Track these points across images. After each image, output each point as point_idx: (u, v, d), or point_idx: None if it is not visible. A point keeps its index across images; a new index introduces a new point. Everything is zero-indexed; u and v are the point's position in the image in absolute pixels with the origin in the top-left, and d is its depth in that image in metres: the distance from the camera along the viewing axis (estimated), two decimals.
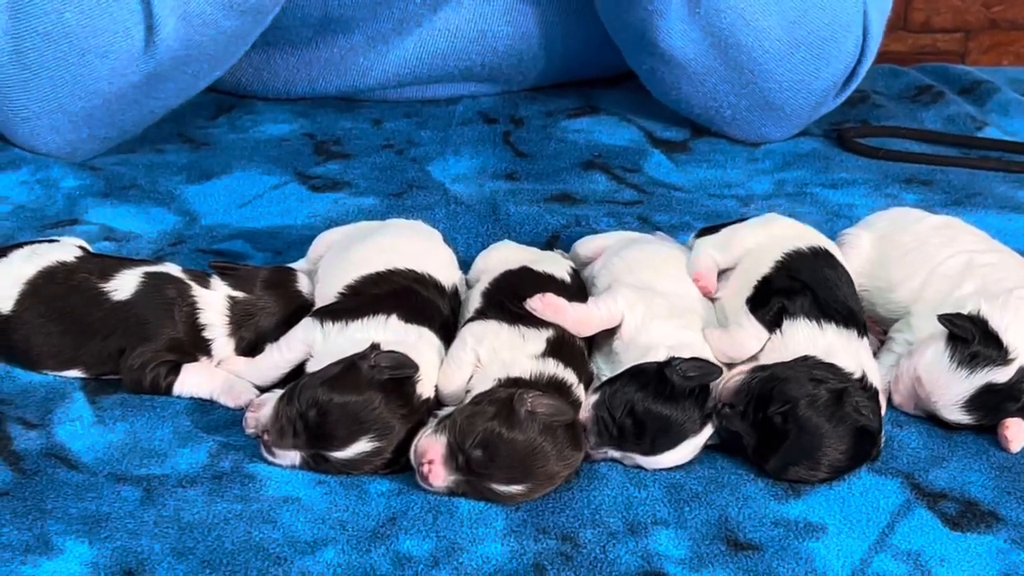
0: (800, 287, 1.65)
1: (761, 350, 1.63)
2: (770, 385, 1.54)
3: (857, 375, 1.58)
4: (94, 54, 2.14)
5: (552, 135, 2.49)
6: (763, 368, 1.58)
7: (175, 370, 1.65)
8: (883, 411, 1.63)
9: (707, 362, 1.57)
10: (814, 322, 1.62)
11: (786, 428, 1.52)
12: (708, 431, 1.56)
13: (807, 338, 1.61)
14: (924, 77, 2.83)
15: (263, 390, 1.65)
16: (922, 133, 2.55)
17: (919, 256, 1.79)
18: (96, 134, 2.26)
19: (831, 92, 2.44)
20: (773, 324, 1.62)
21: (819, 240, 1.76)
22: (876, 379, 1.62)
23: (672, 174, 2.36)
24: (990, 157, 2.45)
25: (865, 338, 1.66)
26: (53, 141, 2.25)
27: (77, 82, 2.16)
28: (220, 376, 1.66)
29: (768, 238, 1.76)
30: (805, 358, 1.58)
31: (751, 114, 2.42)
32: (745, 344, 1.62)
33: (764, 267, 1.70)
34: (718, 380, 1.57)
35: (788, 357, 1.59)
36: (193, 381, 1.65)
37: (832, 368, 1.57)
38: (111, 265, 1.72)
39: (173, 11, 2.11)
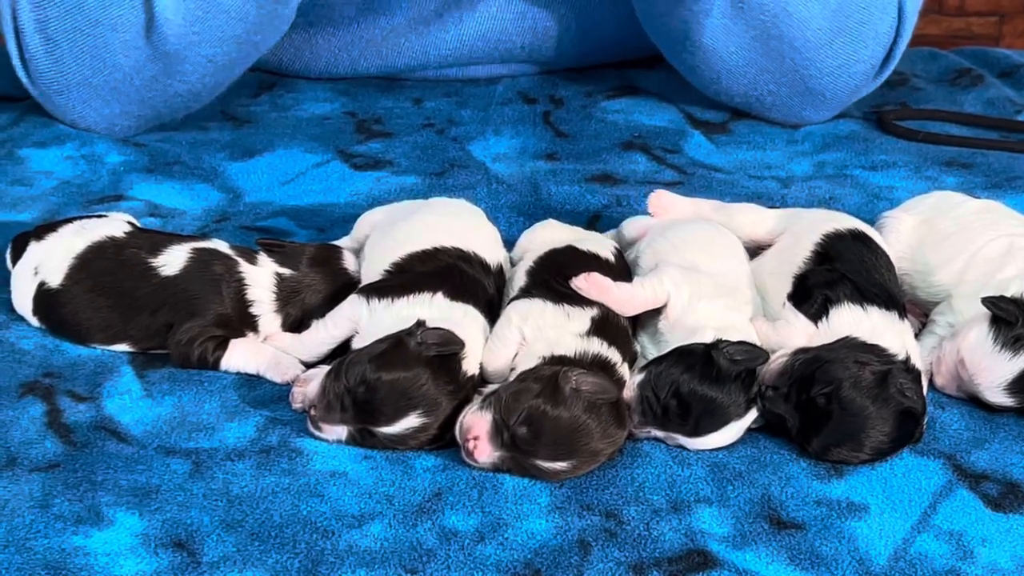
0: (839, 276, 1.65)
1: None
2: (813, 367, 1.55)
3: (901, 356, 1.58)
4: (105, 26, 2.18)
5: (592, 115, 2.49)
6: (806, 350, 1.58)
7: (223, 345, 1.67)
8: (925, 393, 1.64)
9: (754, 346, 1.57)
10: (857, 305, 1.62)
11: (829, 409, 1.52)
12: (752, 415, 1.56)
13: (852, 321, 1.61)
14: (963, 60, 2.82)
15: (309, 366, 1.67)
16: (962, 116, 2.54)
17: (960, 239, 1.79)
18: (128, 111, 2.28)
19: (870, 75, 2.44)
20: (818, 316, 1.63)
21: (856, 224, 1.77)
22: (918, 361, 1.63)
23: (712, 155, 2.36)
24: None
25: (906, 320, 1.67)
26: (89, 115, 2.28)
27: (95, 54, 2.20)
28: (267, 352, 1.67)
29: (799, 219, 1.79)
30: (848, 339, 1.59)
31: (791, 100, 2.42)
32: (793, 339, 1.62)
33: (803, 250, 1.71)
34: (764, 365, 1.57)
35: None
36: (240, 356, 1.67)
37: (876, 349, 1.58)
38: (160, 240, 1.73)
39: None
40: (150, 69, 2.23)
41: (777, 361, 1.57)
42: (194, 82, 2.27)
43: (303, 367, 1.66)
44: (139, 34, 2.19)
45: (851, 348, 1.57)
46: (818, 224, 1.76)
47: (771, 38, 2.32)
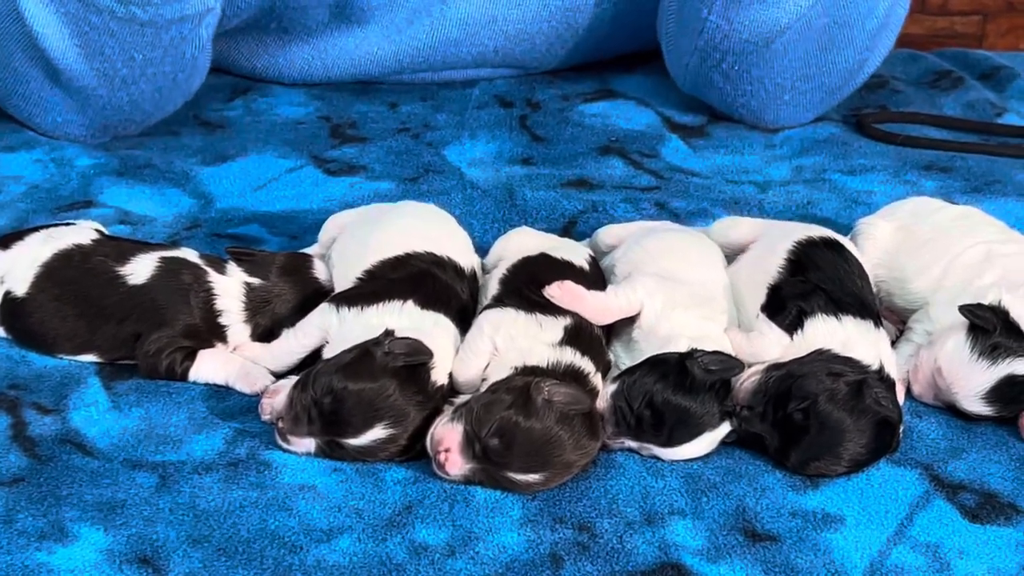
0: (812, 288, 1.64)
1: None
2: (787, 383, 1.53)
3: (875, 366, 1.57)
4: (17, 69, 2.19)
5: (569, 119, 2.48)
6: (778, 367, 1.57)
7: (191, 356, 1.65)
8: (901, 401, 1.63)
9: (729, 356, 1.56)
10: (832, 316, 1.61)
11: (807, 424, 1.51)
12: (727, 426, 1.55)
13: (827, 332, 1.60)
14: (943, 62, 2.81)
15: (279, 376, 1.65)
16: (941, 119, 2.53)
17: (938, 246, 1.78)
18: (71, 119, 2.26)
19: (868, 74, 2.44)
20: (793, 328, 1.61)
21: (828, 232, 1.75)
22: (893, 369, 1.62)
23: (689, 159, 2.34)
24: (1010, 144, 2.43)
25: (881, 328, 1.65)
26: (38, 123, 2.27)
27: (16, 91, 2.21)
28: (236, 362, 1.66)
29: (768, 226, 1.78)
30: (820, 352, 1.57)
31: (804, 97, 2.40)
32: (767, 351, 1.61)
33: (776, 257, 1.70)
34: (738, 376, 1.56)
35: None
36: (209, 367, 1.65)
37: (848, 361, 1.56)
38: (127, 249, 1.71)
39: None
40: (73, 104, 2.23)
41: (749, 380, 1.56)
42: (130, 112, 2.26)
43: (273, 377, 1.64)
44: (49, 82, 2.20)
45: (823, 361, 1.56)
46: (790, 232, 1.74)
47: (838, 26, 2.31)
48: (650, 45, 2.59)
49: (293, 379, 1.56)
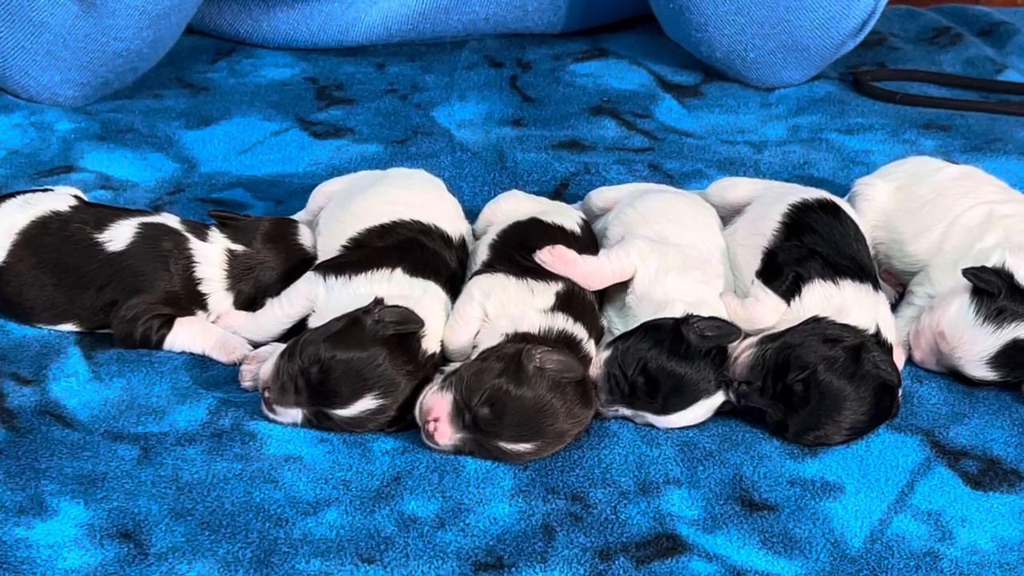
0: (808, 252, 1.61)
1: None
2: (784, 354, 1.50)
3: (871, 331, 1.54)
4: None
5: (560, 79, 2.44)
6: (772, 338, 1.53)
7: (168, 324, 1.61)
8: (901, 366, 1.59)
9: (726, 322, 1.53)
10: (829, 281, 1.58)
11: (807, 395, 1.48)
12: (723, 395, 1.52)
13: (824, 298, 1.57)
14: (941, 18, 2.77)
15: (259, 345, 1.62)
16: (940, 76, 2.49)
17: (937, 208, 1.74)
18: (69, 77, 2.21)
19: (855, 31, 2.39)
20: (790, 294, 1.58)
21: (823, 193, 1.72)
22: (891, 333, 1.58)
23: (684, 120, 2.30)
24: (1011, 101, 2.39)
25: (880, 291, 1.62)
26: (29, 84, 2.22)
27: (21, 15, 2.14)
28: (213, 332, 1.62)
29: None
30: (815, 319, 1.54)
31: (774, 56, 2.36)
32: (763, 317, 1.58)
33: (771, 220, 1.66)
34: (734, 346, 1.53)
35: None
36: (185, 336, 1.61)
37: (844, 327, 1.53)
38: (106, 215, 1.67)
39: None
40: (81, 27, 2.16)
41: (745, 354, 1.52)
42: (131, 38, 2.20)
43: (251, 347, 1.61)
44: (66, 32, 2.14)
45: (820, 327, 1.52)
46: (785, 195, 1.70)
47: None
48: (643, 10, 2.55)
49: (275, 346, 1.54)
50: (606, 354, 1.52)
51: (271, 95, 2.35)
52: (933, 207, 1.74)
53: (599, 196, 1.82)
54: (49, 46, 2.17)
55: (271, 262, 1.67)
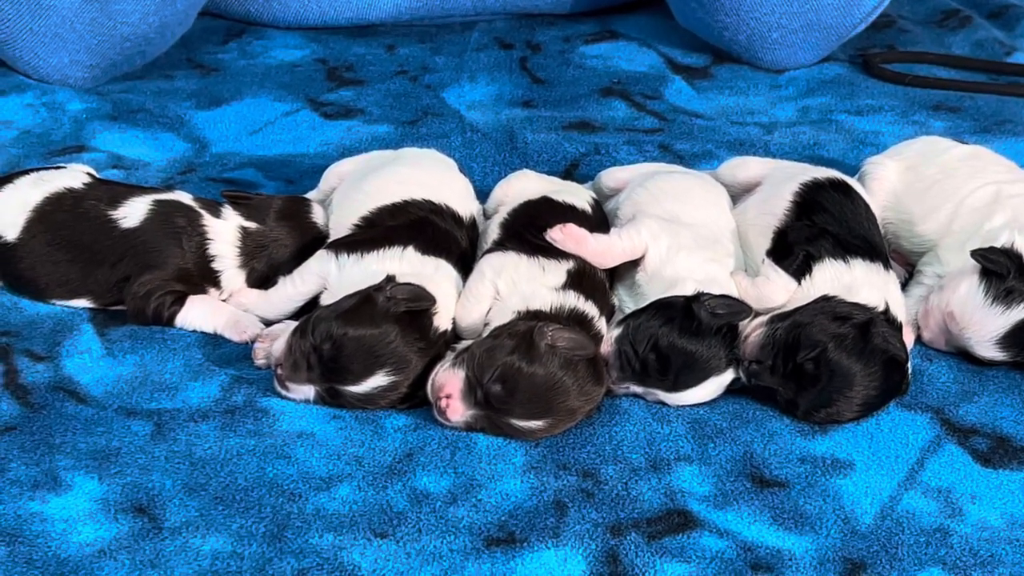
0: (819, 231, 1.60)
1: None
2: (794, 332, 1.50)
3: (880, 308, 1.54)
4: None
5: (570, 61, 2.44)
6: (782, 317, 1.53)
7: (180, 301, 1.61)
8: (910, 344, 1.60)
9: (737, 300, 1.53)
10: (840, 260, 1.58)
11: (818, 373, 1.48)
12: (733, 372, 1.52)
13: (835, 276, 1.57)
14: (951, 1, 2.76)
15: (272, 323, 1.62)
16: (949, 58, 2.49)
17: (946, 187, 1.74)
18: (78, 59, 2.22)
19: (871, 11, 2.39)
20: (801, 273, 1.58)
21: (834, 173, 1.72)
22: (901, 311, 1.59)
23: (693, 101, 2.30)
24: (1020, 83, 2.39)
25: (891, 270, 1.62)
26: (40, 66, 2.23)
27: None
28: (225, 310, 1.63)
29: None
30: (825, 297, 1.54)
31: (795, 36, 2.35)
32: (774, 296, 1.58)
33: (782, 199, 1.66)
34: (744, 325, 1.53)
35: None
36: (197, 313, 1.62)
37: (853, 305, 1.53)
38: (120, 192, 1.68)
39: None
40: (88, 11, 2.17)
41: (755, 333, 1.52)
42: (137, 22, 2.21)
43: (263, 325, 1.61)
44: (74, 15, 2.14)
45: (830, 305, 1.52)
46: (796, 174, 1.70)
47: None
48: None
49: (289, 323, 1.54)
50: (617, 332, 1.52)
51: (282, 76, 2.35)
52: (941, 187, 1.74)
53: (610, 176, 1.82)
54: (57, 28, 2.18)
55: (284, 240, 1.67)
